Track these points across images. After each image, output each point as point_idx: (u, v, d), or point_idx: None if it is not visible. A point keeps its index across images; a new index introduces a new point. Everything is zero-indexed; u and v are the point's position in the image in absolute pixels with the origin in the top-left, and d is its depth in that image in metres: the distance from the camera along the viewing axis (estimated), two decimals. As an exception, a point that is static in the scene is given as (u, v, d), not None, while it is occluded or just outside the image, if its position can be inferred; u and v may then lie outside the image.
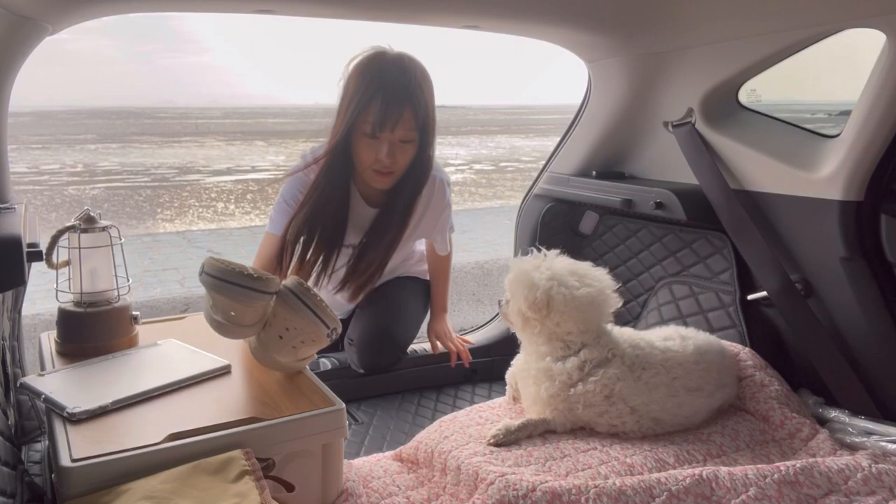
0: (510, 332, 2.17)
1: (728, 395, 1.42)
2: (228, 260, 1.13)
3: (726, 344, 1.53)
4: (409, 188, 1.65)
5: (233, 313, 1.11)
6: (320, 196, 1.61)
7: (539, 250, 1.42)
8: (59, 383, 1.11)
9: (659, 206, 1.76)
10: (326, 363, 1.85)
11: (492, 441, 1.24)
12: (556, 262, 1.38)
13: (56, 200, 10.35)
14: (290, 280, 1.15)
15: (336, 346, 1.91)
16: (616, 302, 1.37)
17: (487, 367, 2.03)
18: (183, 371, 1.15)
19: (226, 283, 1.07)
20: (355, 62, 1.54)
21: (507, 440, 1.25)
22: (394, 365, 1.86)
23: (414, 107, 1.50)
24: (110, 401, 1.03)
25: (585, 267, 1.39)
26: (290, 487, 0.99)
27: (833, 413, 1.43)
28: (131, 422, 1.01)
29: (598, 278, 1.37)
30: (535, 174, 2.31)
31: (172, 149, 19.76)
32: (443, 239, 1.87)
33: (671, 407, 1.32)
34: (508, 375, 1.50)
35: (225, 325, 1.12)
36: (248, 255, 6.19)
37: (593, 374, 1.29)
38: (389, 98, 1.48)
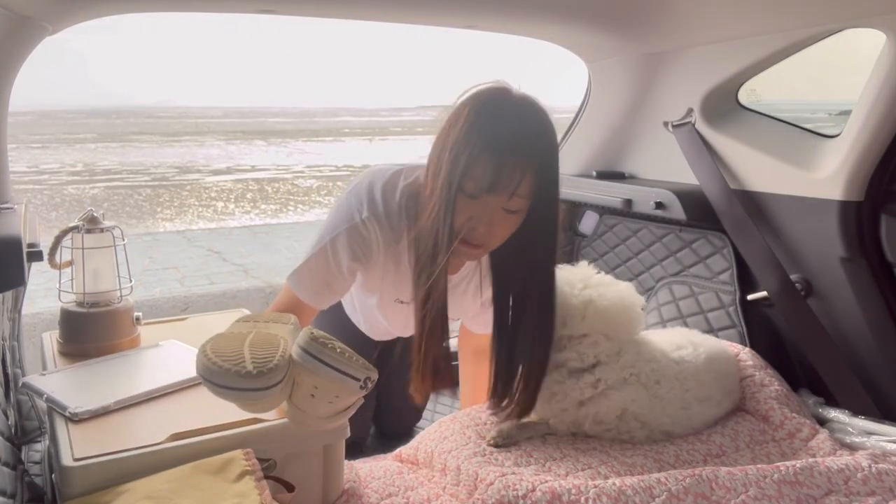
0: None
1: (733, 401, 1.42)
2: (229, 340, 0.95)
3: (726, 344, 1.53)
4: (515, 274, 1.22)
5: None
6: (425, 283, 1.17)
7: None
8: (61, 383, 1.11)
9: (659, 206, 1.76)
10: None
11: (491, 442, 1.24)
12: (580, 271, 1.34)
13: (56, 200, 10.35)
14: (301, 336, 0.96)
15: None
16: (631, 316, 1.29)
17: (488, 366, 2.03)
18: (184, 372, 1.15)
19: (220, 387, 0.90)
20: (467, 98, 1.15)
21: (506, 442, 1.25)
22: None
23: (536, 170, 1.12)
24: (112, 401, 1.04)
25: (609, 280, 1.33)
26: (290, 488, 0.99)
27: (833, 413, 1.43)
28: (133, 422, 1.01)
29: (614, 288, 1.31)
30: (535, 174, 2.31)
31: (172, 148, 19.76)
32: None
33: (682, 419, 1.30)
34: None
35: (247, 403, 0.96)
36: (247, 254, 6.19)
37: (607, 395, 1.25)
38: (506, 156, 1.09)
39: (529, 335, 1.22)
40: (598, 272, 1.37)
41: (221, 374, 0.89)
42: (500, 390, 1.26)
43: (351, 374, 0.94)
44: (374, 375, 0.97)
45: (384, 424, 1.74)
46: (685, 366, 1.33)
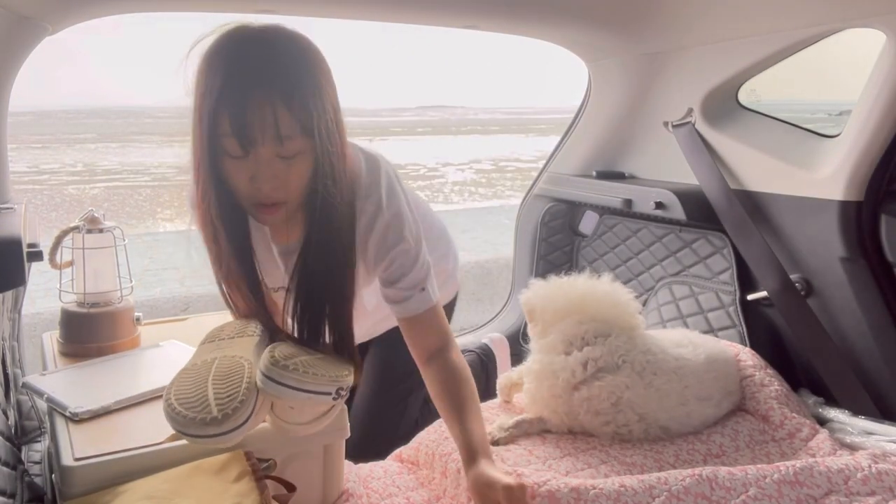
0: (510, 333, 2.18)
1: (733, 402, 1.42)
2: (191, 378, 0.92)
3: (726, 344, 1.53)
4: (319, 217, 1.02)
5: None
6: (220, 252, 1.09)
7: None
8: (61, 383, 1.11)
9: (659, 206, 1.76)
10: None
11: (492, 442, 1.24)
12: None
13: (56, 200, 10.35)
14: (262, 360, 0.92)
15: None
16: (613, 300, 1.33)
17: (488, 366, 2.03)
18: (184, 371, 1.15)
19: (191, 437, 0.87)
20: (199, 47, 0.98)
21: (502, 439, 1.25)
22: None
23: (288, 101, 0.93)
24: (113, 401, 1.04)
25: (602, 283, 1.38)
26: (290, 488, 0.99)
27: (833, 413, 1.43)
28: (133, 422, 1.01)
29: (594, 279, 1.37)
30: (535, 174, 2.31)
31: (172, 148, 19.65)
32: (409, 296, 1.11)
33: (681, 416, 1.30)
34: (502, 379, 1.47)
35: (225, 443, 0.93)
36: (248, 255, 6.17)
37: (599, 377, 1.26)
38: (245, 94, 0.92)
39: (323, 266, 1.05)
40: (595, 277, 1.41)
41: (188, 424, 0.86)
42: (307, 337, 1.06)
43: (319, 392, 0.92)
44: (347, 381, 0.94)
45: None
46: (684, 363, 1.33)
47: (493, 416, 1.38)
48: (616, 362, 1.28)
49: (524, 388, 1.38)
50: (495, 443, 1.24)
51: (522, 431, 1.28)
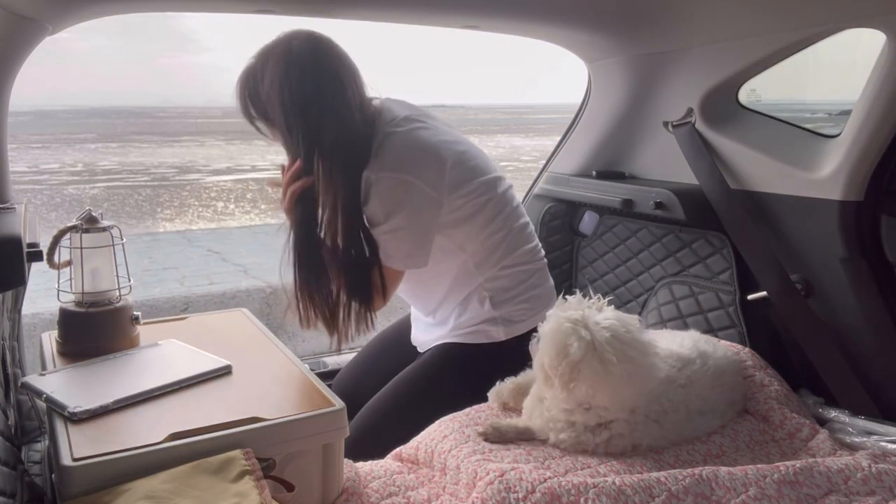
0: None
1: (736, 410, 1.40)
2: None
3: (726, 344, 1.53)
4: None
5: None
6: None
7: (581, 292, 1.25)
8: (60, 383, 1.11)
9: (659, 206, 1.76)
10: (326, 363, 1.85)
11: (483, 436, 1.23)
12: (601, 322, 1.18)
13: (56, 200, 10.36)
14: None
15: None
16: (656, 374, 1.22)
17: (487, 366, 2.03)
18: (184, 371, 1.15)
19: None
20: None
21: (498, 439, 1.24)
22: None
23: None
24: (111, 400, 1.04)
25: (632, 329, 1.20)
26: (290, 487, 0.99)
27: (833, 413, 1.43)
28: (132, 421, 1.01)
29: (642, 349, 1.19)
30: (535, 174, 2.31)
31: (172, 148, 19.76)
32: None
33: (686, 431, 1.28)
34: (493, 395, 1.41)
35: None
36: (248, 254, 6.19)
37: (622, 437, 1.21)
38: None
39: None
40: (593, 303, 1.23)
41: None
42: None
43: None
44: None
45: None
46: (690, 388, 1.30)
47: (493, 417, 1.37)
48: (636, 420, 1.22)
49: (530, 417, 1.31)
50: (486, 439, 1.24)
51: (522, 439, 1.27)
